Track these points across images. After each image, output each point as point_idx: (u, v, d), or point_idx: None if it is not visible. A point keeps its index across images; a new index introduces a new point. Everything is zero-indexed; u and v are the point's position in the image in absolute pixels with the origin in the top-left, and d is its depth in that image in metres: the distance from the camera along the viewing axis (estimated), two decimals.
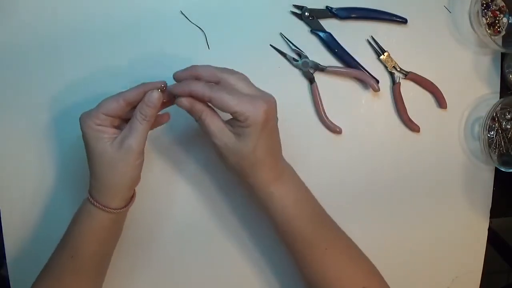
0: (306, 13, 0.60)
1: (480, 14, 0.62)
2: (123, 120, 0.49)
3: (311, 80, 0.61)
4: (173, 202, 0.61)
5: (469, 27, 0.64)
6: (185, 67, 0.59)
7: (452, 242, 0.66)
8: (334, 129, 0.62)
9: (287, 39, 0.60)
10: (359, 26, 0.62)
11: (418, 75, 0.63)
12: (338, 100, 0.62)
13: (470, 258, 0.67)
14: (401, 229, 0.65)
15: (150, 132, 0.48)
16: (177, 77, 0.49)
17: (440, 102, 0.64)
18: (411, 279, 0.64)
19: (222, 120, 0.48)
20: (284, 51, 0.61)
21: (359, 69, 0.62)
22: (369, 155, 0.64)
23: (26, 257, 0.58)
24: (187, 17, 0.59)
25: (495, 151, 0.66)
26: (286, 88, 0.61)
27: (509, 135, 0.67)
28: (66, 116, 0.58)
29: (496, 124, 0.66)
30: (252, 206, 0.61)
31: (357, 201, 0.64)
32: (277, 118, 0.49)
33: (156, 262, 0.61)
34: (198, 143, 0.60)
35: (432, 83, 0.63)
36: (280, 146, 0.51)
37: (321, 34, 0.61)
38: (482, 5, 0.63)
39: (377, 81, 0.62)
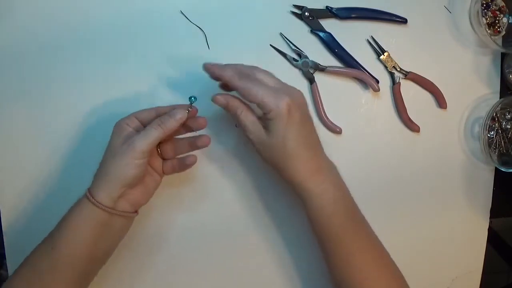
0: (306, 13, 0.60)
1: (480, 14, 0.62)
2: None
3: (311, 80, 0.61)
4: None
5: (469, 27, 0.64)
6: (185, 66, 0.59)
7: (452, 242, 0.66)
8: (334, 129, 0.62)
9: (287, 39, 0.60)
10: (359, 26, 0.62)
11: (418, 75, 0.63)
12: (338, 100, 0.62)
13: (470, 258, 0.67)
14: (401, 229, 0.65)
15: None
16: (206, 67, 0.51)
17: (440, 102, 0.64)
18: (411, 279, 0.64)
19: (256, 116, 0.50)
20: (284, 51, 0.61)
21: (359, 69, 0.62)
22: (369, 155, 0.64)
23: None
24: (187, 17, 0.59)
25: (495, 151, 0.66)
26: None
27: (509, 135, 0.67)
28: (66, 116, 0.58)
29: (496, 124, 0.66)
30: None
31: (356, 201, 0.63)
32: (307, 112, 0.50)
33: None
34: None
35: (432, 83, 0.63)
36: (317, 140, 0.52)
37: (321, 34, 0.61)
38: (482, 5, 0.63)
39: (377, 81, 0.62)
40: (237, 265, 0.62)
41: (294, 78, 0.61)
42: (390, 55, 0.62)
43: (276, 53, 0.61)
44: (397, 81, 0.63)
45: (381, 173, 0.64)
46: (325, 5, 0.61)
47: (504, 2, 0.65)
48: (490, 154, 0.63)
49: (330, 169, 0.52)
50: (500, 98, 0.65)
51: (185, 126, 0.52)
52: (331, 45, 0.61)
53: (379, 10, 0.62)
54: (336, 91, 0.62)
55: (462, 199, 0.66)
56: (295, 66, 0.61)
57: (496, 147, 0.66)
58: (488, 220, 0.67)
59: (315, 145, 0.51)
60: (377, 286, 0.50)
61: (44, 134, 0.58)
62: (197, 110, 0.51)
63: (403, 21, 0.62)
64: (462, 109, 0.65)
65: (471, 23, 0.64)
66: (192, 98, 0.50)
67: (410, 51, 0.63)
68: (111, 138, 0.49)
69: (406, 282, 0.53)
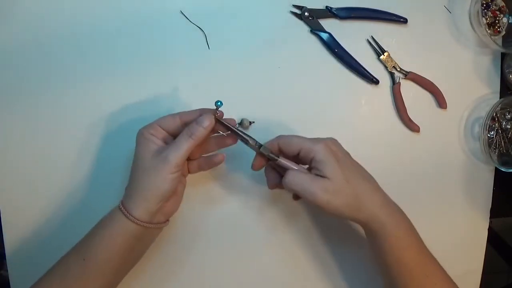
0: (306, 13, 0.60)
1: (480, 14, 0.62)
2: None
3: None
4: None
5: (469, 27, 0.64)
6: (185, 66, 0.59)
7: (452, 242, 0.66)
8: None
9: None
10: (359, 26, 0.62)
11: (418, 75, 0.63)
12: (338, 100, 0.62)
13: (470, 258, 0.67)
14: None
15: None
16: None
17: (440, 102, 0.64)
18: None
19: (309, 178, 0.47)
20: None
21: (359, 69, 0.62)
22: (369, 155, 0.63)
23: (26, 257, 0.58)
24: (187, 17, 0.59)
25: (495, 151, 0.66)
26: None
27: (509, 135, 0.67)
28: (66, 116, 0.58)
29: (496, 124, 0.66)
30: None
31: None
32: (347, 153, 0.50)
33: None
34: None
35: (432, 83, 0.63)
36: (369, 174, 0.51)
37: (321, 34, 0.61)
38: (482, 5, 0.63)
39: (377, 81, 0.62)
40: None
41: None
42: (390, 55, 0.62)
43: (276, 53, 0.61)
44: (397, 81, 0.63)
45: (381, 173, 0.63)
46: (325, 5, 0.61)
47: (504, 2, 0.65)
48: (490, 154, 0.63)
49: (392, 201, 0.51)
50: (500, 98, 0.65)
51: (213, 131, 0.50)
52: (331, 45, 0.61)
53: (379, 10, 0.62)
54: (336, 91, 0.62)
55: (462, 199, 0.66)
56: None
57: (496, 147, 0.66)
58: (488, 220, 0.67)
59: (371, 177, 0.51)
60: None
61: (44, 134, 0.58)
62: (223, 114, 0.50)
63: (403, 21, 0.62)
64: (462, 109, 0.65)
65: (471, 23, 0.64)
66: (218, 102, 0.49)
67: (410, 51, 0.63)
68: (138, 151, 0.48)
69: None
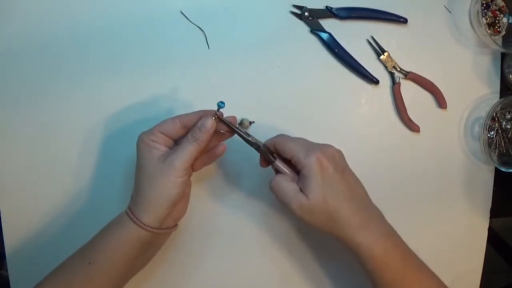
0: (306, 13, 0.60)
1: (480, 14, 0.62)
2: (176, 143, 0.50)
3: None
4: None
5: (469, 27, 0.64)
6: (185, 66, 0.59)
7: (452, 242, 0.66)
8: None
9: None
10: (359, 26, 0.62)
11: (418, 75, 0.63)
12: (338, 100, 0.62)
13: (470, 258, 0.67)
14: (400, 229, 0.64)
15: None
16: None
17: (440, 102, 0.64)
18: None
19: (293, 186, 0.48)
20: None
21: (359, 69, 0.62)
22: (369, 155, 0.64)
23: (26, 257, 0.58)
24: (187, 17, 0.59)
25: (495, 151, 0.66)
26: None
27: (509, 135, 0.67)
28: (66, 116, 0.58)
29: (496, 124, 0.66)
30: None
31: None
32: (343, 164, 0.50)
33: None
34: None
35: (432, 83, 0.63)
36: (360, 191, 0.51)
37: (321, 34, 0.61)
38: (482, 5, 0.63)
39: (377, 81, 0.62)
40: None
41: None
42: (390, 55, 0.62)
43: (276, 53, 0.61)
44: (397, 81, 0.63)
45: (381, 173, 0.64)
46: (325, 5, 0.61)
47: (504, 2, 0.65)
48: (490, 154, 0.63)
49: (378, 219, 0.51)
50: (500, 98, 0.65)
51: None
52: (331, 45, 0.61)
53: (379, 10, 0.62)
54: (336, 91, 0.62)
55: (462, 199, 0.66)
56: None
57: (496, 147, 0.66)
58: (488, 220, 0.67)
59: (360, 198, 0.50)
60: None
61: (45, 135, 0.58)
62: (222, 114, 0.50)
63: (403, 21, 0.62)
64: (462, 109, 0.65)
65: (471, 23, 0.64)
66: (220, 103, 0.48)
67: (410, 51, 0.63)
68: (141, 157, 0.48)
69: None
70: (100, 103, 0.58)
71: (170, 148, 0.50)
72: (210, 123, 0.47)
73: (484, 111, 0.64)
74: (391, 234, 0.51)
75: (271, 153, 0.50)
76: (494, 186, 0.66)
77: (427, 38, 0.64)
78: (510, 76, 0.65)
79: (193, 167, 0.53)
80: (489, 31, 0.63)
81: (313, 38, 0.61)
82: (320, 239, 0.62)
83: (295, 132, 0.60)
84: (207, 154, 0.52)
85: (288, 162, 0.50)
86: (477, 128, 0.66)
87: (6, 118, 0.58)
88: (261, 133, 0.56)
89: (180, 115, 0.50)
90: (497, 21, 0.64)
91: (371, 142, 0.63)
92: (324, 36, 0.61)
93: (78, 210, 0.58)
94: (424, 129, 0.64)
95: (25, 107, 0.58)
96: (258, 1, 0.60)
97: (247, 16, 0.60)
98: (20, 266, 0.58)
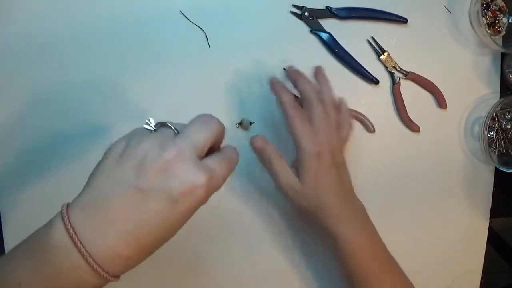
0: (306, 13, 0.60)
1: (480, 14, 0.62)
2: None
3: None
4: None
5: (469, 27, 0.64)
6: (186, 66, 0.59)
7: (452, 242, 0.66)
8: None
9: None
10: (359, 26, 0.62)
11: (418, 75, 0.63)
12: None
13: (470, 258, 0.67)
14: (400, 229, 0.65)
15: None
16: (288, 69, 0.54)
17: (440, 102, 0.64)
18: (411, 279, 0.64)
19: (288, 164, 0.51)
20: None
21: (359, 69, 0.62)
22: (369, 155, 0.64)
23: None
24: (187, 17, 0.59)
25: (495, 151, 0.66)
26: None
27: (509, 135, 0.67)
28: (67, 116, 0.58)
29: (496, 124, 0.66)
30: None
31: None
32: (340, 158, 0.51)
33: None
34: None
35: (432, 83, 0.63)
36: (349, 187, 0.53)
37: (321, 34, 0.61)
38: (482, 5, 0.63)
39: (377, 81, 0.62)
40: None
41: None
42: (390, 55, 0.62)
43: (276, 54, 0.61)
44: (397, 81, 0.63)
45: (381, 173, 0.64)
46: (325, 5, 0.61)
47: (504, 2, 0.65)
48: (490, 154, 0.63)
49: (359, 214, 0.53)
50: (500, 98, 0.65)
51: None
52: (331, 45, 0.61)
53: (379, 10, 0.62)
54: (336, 91, 0.62)
55: (462, 199, 0.66)
56: None
57: (496, 147, 0.66)
58: (488, 220, 0.67)
59: (346, 192, 0.52)
60: None
61: (45, 135, 0.58)
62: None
63: (403, 21, 0.62)
64: (462, 109, 0.65)
65: (471, 23, 0.64)
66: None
67: (410, 51, 0.63)
68: None
69: None
70: (100, 103, 0.58)
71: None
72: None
73: (484, 111, 0.64)
74: (370, 231, 0.53)
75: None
76: (494, 186, 0.66)
77: (427, 38, 0.64)
78: (510, 76, 0.65)
79: None
80: (489, 31, 0.63)
81: (313, 38, 0.61)
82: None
83: None
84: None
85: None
86: (477, 128, 0.66)
87: (6, 118, 0.58)
88: (261, 133, 0.56)
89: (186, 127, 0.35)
90: (497, 21, 0.64)
91: (371, 142, 0.63)
92: (324, 36, 0.61)
93: None
94: (424, 129, 0.64)
95: (25, 107, 0.58)
96: (258, 1, 0.60)
97: (247, 16, 0.60)
98: None
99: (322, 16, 0.61)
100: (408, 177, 0.64)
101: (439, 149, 0.65)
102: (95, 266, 0.30)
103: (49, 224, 0.34)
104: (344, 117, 0.53)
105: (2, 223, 0.58)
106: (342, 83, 0.62)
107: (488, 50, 0.65)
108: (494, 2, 0.64)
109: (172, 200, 0.31)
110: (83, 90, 0.58)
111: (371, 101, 0.63)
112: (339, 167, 0.51)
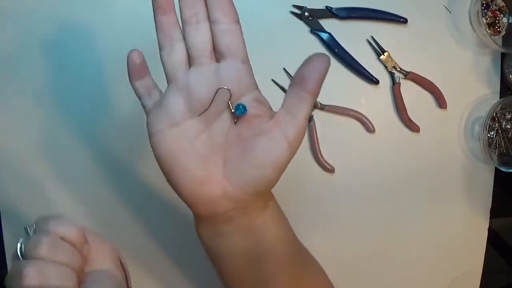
0: (306, 13, 0.60)
1: (480, 14, 0.62)
2: None
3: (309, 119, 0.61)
4: None
5: (469, 27, 0.64)
6: None
7: (452, 242, 0.66)
8: (327, 168, 0.62)
9: (288, 73, 0.60)
10: (359, 26, 0.62)
11: (418, 75, 0.63)
12: (338, 100, 0.62)
13: (470, 258, 0.67)
14: (400, 229, 0.65)
15: None
16: None
17: (440, 102, 0.64)
18: (411, 279, 0.64)
19: None
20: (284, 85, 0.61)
21: (359, 69, 0.62)
22: (369, 155, 0.64)
23: None
24: None
25: (495, 151, 0.66)
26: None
27: (509, 135, 0.67)
28: (67, 116, 0.58)
29: (496, 124, 0.66)
30: None
31: (356, 201, 0.64)
32: None
33: None
34: None
35: (432, 83, 0.63)
36: None
37: (321, 34, 0.61)
38: (482, 5, 0.63)
39: (377, 81, 0.62)
40: None
41: None
42: (390, 55, 0.62)
43: (275, 57, 0.61)
44: (397, 81, 0.63)
45: (381, 173, 0.64)
46: (325, 5, 0.61)
47: (504, 2, 0.65)
48: (490, 154, 0.63)
49: (275, 204, 0.43)
50: (500, 98, 0.65)
51: None
52: (331, 45, 0.61)
53: (379, 10, 0.62)
54: (335, 91, 0.62)
55: (462, 199, 0.66)
56: None
57: (496, 147, 0.66)
58: (488, 220, 0.67)
59: None
60: None
61: (45, 135, 0.58)
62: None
63: (403, 21, 0.62)
64: (462, 109, 0.65)
65: (471, 23, 0.64)
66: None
67: (410, 51, 0.63)
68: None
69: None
70: (101, 103, 0.58)
71: None
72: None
73: (484, 111, 0.64)
74: (286, 223, 0.43)
75: None
76: (494, 186, 0.66)
77: (427, 38, 0.64)
78: (510, 76, 0.65)
79: None
80: (489, 31, 0.63)
81: (313, 38, 0.61)
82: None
83: None
84: None
85: None
86: (477, 128, 0.66)
87: (6, 118, 0.58)
88: None
89: None
90: (497, 21, 0.64)
91: (371, 142, 0.63)
92: (324, 36, 0.61)
93: (79, 210, 0.58)
94: (424, 129, 0.64)
95: (25, 107, 0.58)
96: (258, 1, 0.60)
97: (247, 16, 0.60)
98: None
99: (322, 16, 0.61)
100: (408, 177, 0.64)
101: (439, 149, 0.65)
102: None
103: None
104: None
105: (2, 223, 0.58)
106: (342, 83, 0.62)
107: (488, 50, 0.65)
108: (494, 2, 0.64)
109: None
110: (83, 90, 0.58)
111: (371, 101, 0.63)
112: None
